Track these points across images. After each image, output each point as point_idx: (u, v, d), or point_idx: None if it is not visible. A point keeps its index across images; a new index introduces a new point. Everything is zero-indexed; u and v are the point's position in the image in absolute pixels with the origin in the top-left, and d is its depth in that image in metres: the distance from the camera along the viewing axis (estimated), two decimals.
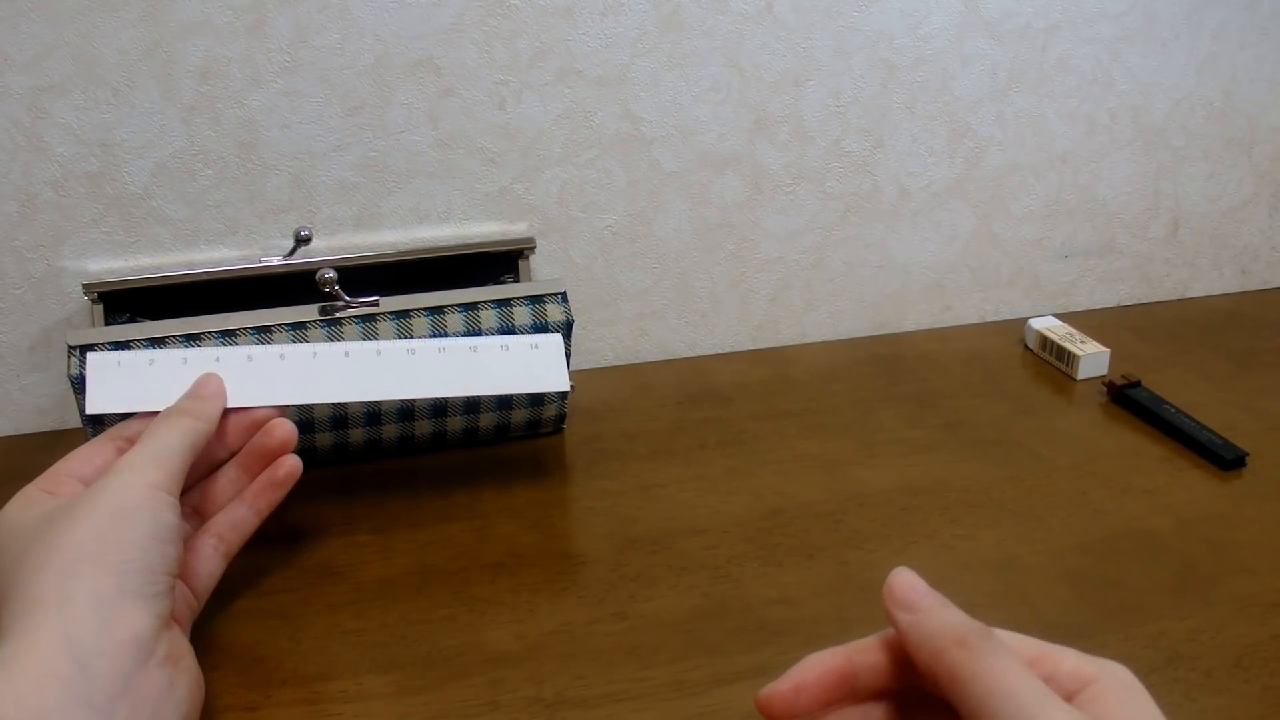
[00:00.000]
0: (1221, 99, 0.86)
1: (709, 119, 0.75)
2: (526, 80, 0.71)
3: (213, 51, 0.66)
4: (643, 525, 0.61)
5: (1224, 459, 0.66)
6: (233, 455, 0.54)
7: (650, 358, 0.81)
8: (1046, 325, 0.81)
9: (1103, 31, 0.81)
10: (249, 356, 0.56)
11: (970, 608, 0.55)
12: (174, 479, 0.46)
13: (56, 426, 0.72)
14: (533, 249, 0.73)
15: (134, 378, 0.54)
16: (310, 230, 0.67)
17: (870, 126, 0.79)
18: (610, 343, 0.80)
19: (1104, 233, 0.88)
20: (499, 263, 0.73)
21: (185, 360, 0.55)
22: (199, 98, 0.67)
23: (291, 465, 0.53)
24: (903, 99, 0.79)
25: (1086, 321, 0.84)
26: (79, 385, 0.60)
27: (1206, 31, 0.83)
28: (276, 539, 0.58)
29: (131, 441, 0.50)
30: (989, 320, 0.88)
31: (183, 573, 0.48)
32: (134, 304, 0.66)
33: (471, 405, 0.65)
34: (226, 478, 0.53)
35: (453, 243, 0.73)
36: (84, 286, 0.65)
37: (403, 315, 0.64)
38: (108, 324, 0.66)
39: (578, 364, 0.78)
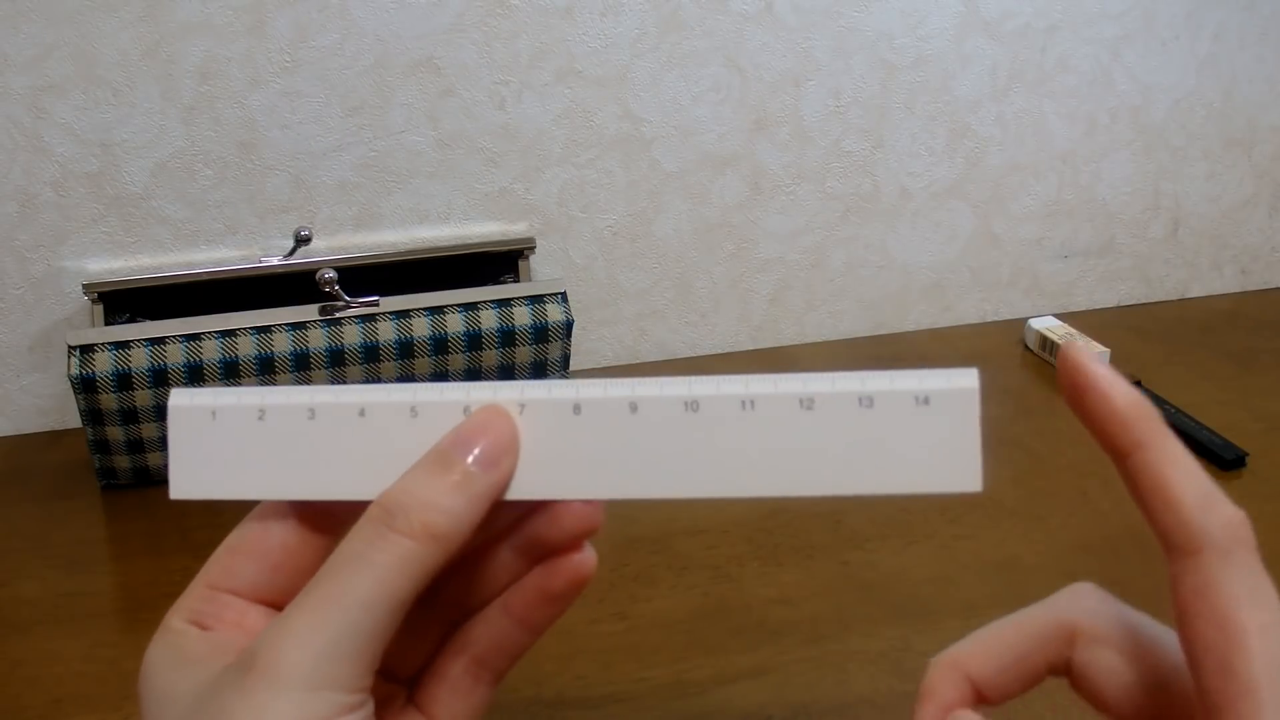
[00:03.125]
0: (1221, 99, 0.86)
1: (709, 119, 0.75)
2: (526, 80, 0.71)
3: (213, 51, 0.66)
4: (643, 525, 0.61)
5: (1224, 459, 0.66)
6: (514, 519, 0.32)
7: (650, 358, 0.81)
8: (1046, 325, 0.81)
9: (1103, 31, 0.81)
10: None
11: (970, 608, 0.56)
12: (360, 674, 0.28)
13: (56, 426, 0.72)
14: (533, 249, 0.73)
15: (244, 440, 0.32)
16: (310, 230, 0.67)
17: (870, 126, 0.79)
18: (610, 343, 0.80)
19: (1104, 233, 0.88)
20: (499, 263, 0.73)
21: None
22: (199, 98, 0.67)
23: (575, 572, 0.32)
24: (903, 99, 0.79)
25: (1086, 321, 0.84)
26: (79, 385, 0.60)
27: (1206, 32, 0.83)
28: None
29: (327, 520, 0.31)
30: (989, 320, 0.88)
31: (429, 711, 0.33)
32: (134, 304, 0.66)
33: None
34: (500, 562, 0.32)
35: (453, 243, 0.73)
36: (84, 286, 0.65)
37: (403, 315, 0.64)
38: (108, 324, 0.66)
39: (577, 364, 0.78)
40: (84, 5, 0.63)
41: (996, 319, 0.88)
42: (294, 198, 0.70)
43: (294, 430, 0.32)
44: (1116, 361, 0.77)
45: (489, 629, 0.32)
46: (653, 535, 0.60)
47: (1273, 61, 0.86)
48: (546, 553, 0.32)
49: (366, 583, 0.27)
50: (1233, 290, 0.93)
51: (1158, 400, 0.72)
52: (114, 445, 0.62)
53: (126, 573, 0.58)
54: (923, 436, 0.31)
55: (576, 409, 0.31)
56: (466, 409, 0.31)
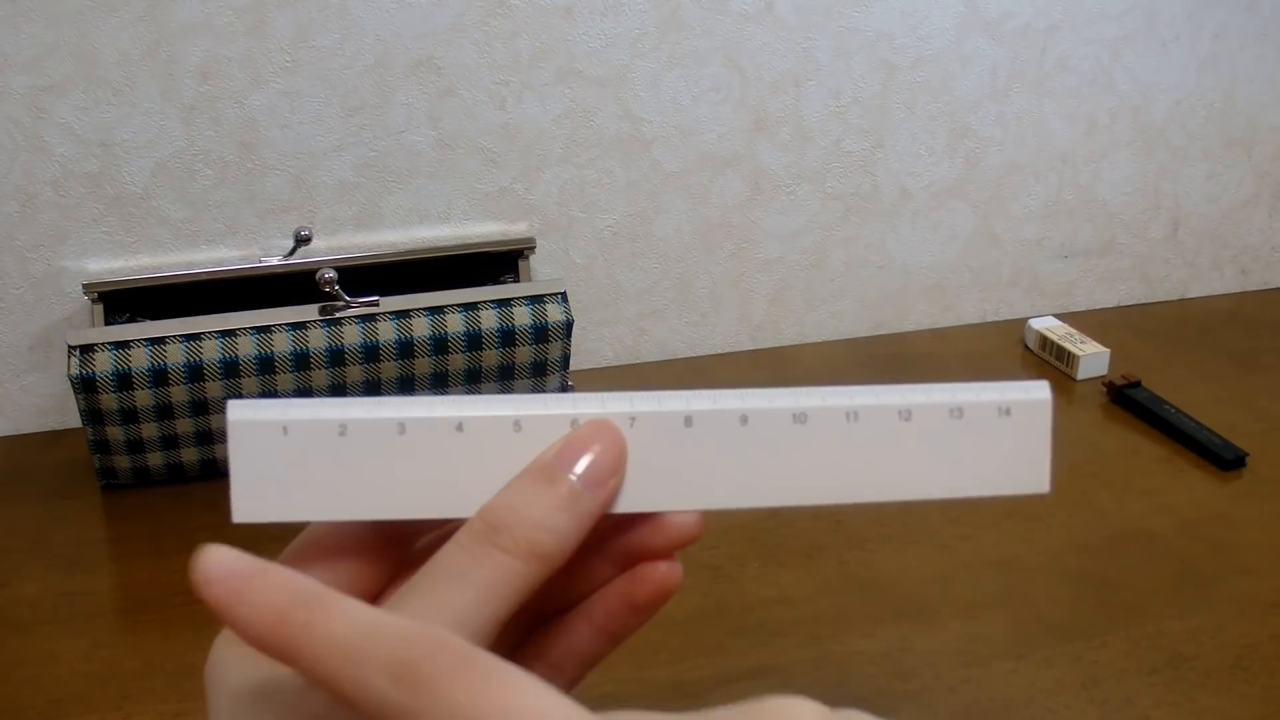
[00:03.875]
0: (1221, 99, 0.86)
1: (709, 119, 0.75)
2: (526, 80, 0.71)
3: (213, 51, 0.66)
4: None
5: (1224, 459, 0.66)
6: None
7: (650, 358, 0.81)
8: (1046, 325, 0.81)
9: (1103, 31, 0.81)
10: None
11: (970, 608, 0.56)
12: None
13: (56, 426, 0.72)
14: (533, 249, 0.73)
15: (322, 457, 0.29)
16: (310, 230, 0.67)
17: (870, 126, 0.79)
18: (610, 343, 0.80)
19: (1104, 233, 0.88)
20: (499, 263, 0.73)
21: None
22: (199, 98, 0.67)
23: (664, 581, 0.31)
24: (903, 99, 0.79)
25: (1086, 321, 0.84)
26: (79, 385, 0.60)
27: (1207, 32, 0.83)
28: None
29: (404, 527, 0.30)
30: (989, 320, 0.88)
31: None
32: (134, 304, 0.66)
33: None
34: (586, 569, 0.31)
35: (453, 243, 0.73)
36: (84, 286, 0.65)
37: (403, 315, 0.64)
38: (108, 324, 0.66)
39: (577, 364, 0.78)
40: (84, 5, 0.63)
41: (996, 319, 0.88)
42: (294, 198, 0.70)
43: (380, 447, 0.30)
44: (1116, 361, 0.77)
45: (568, 636, 0.31)
46: None
47: (1273, 61, 0.86)
48: (637, 560, 0.31)
49: (465, 599, 0.26)
50: (1233, 290, 0.93)
51: (1158, 400, 0.72)
52: (114, 445, 0.62)
53: (126, 573, 0.58)
54: (1002, 444, 0.35)
55: (688, 421, 0.31)
56: (574, 422, 0.30)
